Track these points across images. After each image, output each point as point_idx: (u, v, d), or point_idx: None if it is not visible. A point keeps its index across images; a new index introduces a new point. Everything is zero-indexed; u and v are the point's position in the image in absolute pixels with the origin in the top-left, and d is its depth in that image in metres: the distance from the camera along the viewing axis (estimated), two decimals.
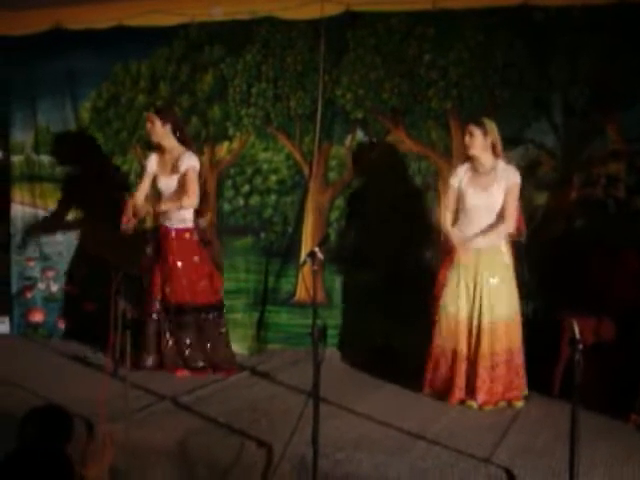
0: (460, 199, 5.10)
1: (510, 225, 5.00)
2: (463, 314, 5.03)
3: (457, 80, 5.97)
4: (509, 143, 5.83)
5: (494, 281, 4.98)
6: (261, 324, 6.52)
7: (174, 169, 5.60)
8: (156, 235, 5.78)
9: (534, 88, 5.81)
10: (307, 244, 6.32)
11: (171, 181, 5.63)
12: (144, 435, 4.42)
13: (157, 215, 5.73)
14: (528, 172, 5.78)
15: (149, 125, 5.65)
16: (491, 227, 4.99)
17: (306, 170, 6.41)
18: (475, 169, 5.07)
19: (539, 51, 5.76)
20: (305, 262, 4.57)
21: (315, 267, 4.38)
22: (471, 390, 5.00)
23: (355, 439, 4.32)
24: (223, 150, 6.66)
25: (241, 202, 6.64)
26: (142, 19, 6.56)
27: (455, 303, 5.04)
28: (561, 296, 5.47)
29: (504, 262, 5.02)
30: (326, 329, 3.86)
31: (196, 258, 5.71)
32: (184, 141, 5.70)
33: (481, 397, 4.96)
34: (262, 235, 6.58)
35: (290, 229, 6.48)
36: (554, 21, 5.70)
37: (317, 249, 4.35)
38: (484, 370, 4.96)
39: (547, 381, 5.11)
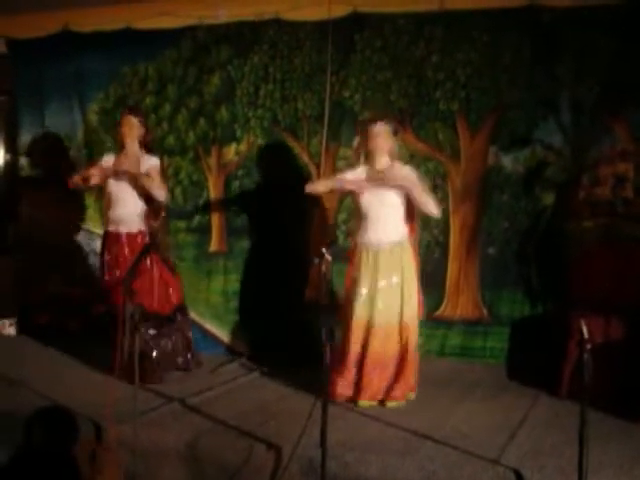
0: (356, 203, 5.10)
1: (434, 204, 4.96)
2: (359, 315, 4.99)
3: (465, 81, 5.97)
4: (517, 143, 5.86)
5: (392, 282, 4.95)
6: (268, 325, 6.51)
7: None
8: (106, 241, 5.75)
9: (542, 88, 5.80)
10: (315, 246, 6.31)
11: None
12: (153, 437, 4.43)
13: (107, 220, 5.74)
14: (536, 172, 5.79)
15: (126, 127, 5.63)
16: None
17: (314, 171, 6.40)
18: (371, 171, 5.05)
19: (547, 51, 5.74)
20: (314, 264, 4.58)
21: (323, 268, 4.39)
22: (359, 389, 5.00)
23: (364, 440, 4.33)
24: (231, 152, 6.66)
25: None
26: (150, 21, 6.58)
27: (353, 305, 5.01)
28: (569, 296, 5.46)
29: (403, 263, 4.99)
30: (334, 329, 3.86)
31: (147, 263, 5.61)
32: (146, 144, 5.74)
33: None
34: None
35: (297, 230, 6.47)
36: (561, 21, 5.68)
37: (325, 251, 4.35)
38: (373, 370, 4.96)
39: (556, 381, 5.11)
